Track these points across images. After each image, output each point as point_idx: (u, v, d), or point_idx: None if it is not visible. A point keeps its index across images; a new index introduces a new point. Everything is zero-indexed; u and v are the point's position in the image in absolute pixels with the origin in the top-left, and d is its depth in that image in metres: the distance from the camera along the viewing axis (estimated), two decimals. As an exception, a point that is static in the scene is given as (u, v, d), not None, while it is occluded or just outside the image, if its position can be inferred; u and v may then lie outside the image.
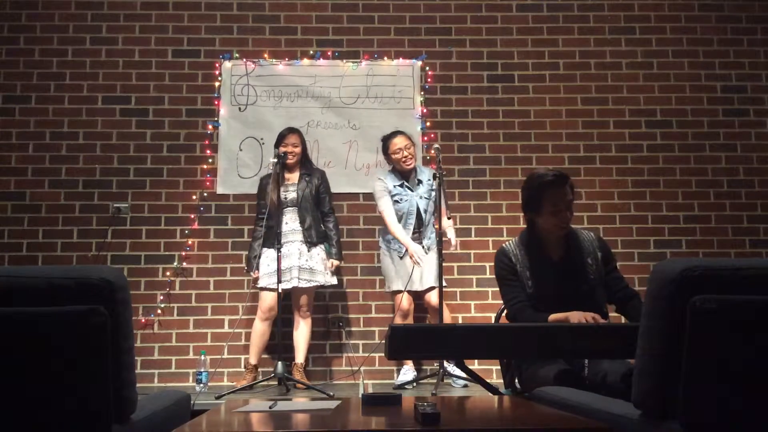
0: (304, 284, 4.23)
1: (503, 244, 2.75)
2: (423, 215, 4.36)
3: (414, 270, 4.24)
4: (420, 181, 4.42)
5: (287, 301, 4.35)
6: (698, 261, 1.56)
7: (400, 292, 4.32)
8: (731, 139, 5.09)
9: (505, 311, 2.72)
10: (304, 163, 4.49)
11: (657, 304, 1.57)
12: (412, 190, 4.39)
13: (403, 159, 4.36)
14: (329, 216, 4.44)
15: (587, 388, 2.28)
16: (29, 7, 5.04)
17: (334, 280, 4.40)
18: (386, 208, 4.33)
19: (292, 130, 4.48)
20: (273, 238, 4.12)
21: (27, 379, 1.49)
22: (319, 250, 4.32)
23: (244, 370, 4.36)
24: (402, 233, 4.29)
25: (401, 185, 4.39)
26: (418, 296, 4.47)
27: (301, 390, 4.00)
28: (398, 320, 4.35)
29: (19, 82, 4.96)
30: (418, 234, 4.37)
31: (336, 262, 4.38)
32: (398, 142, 4.39)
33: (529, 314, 2.57)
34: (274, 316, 4.24)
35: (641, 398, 1.60)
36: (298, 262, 4.22)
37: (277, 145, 4.41)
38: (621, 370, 2.36)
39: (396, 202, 4.35)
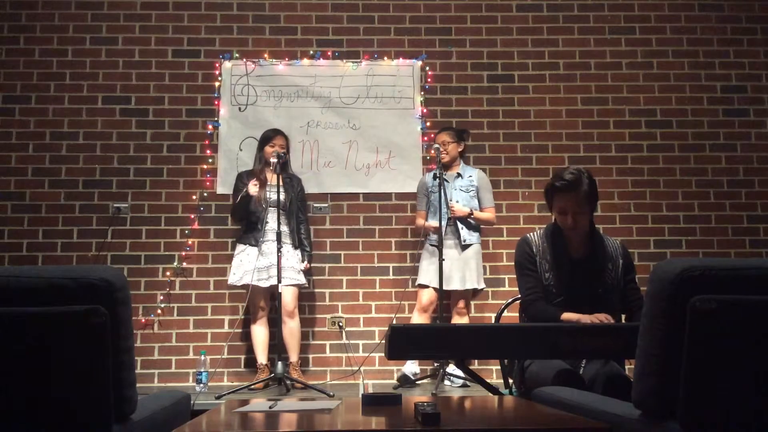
0: (286, 282, 4.23)
1: (527, 234, 2.78)
2: (455, 206, 4.37)
3: (444, 267, 4.19)
4: (459, 175, 4.49)
5: (274, 301, 4.32)
6: (698, 261, 1.56)
7: (422, 286, 4.37)
8: (731, 139, 5.09)
9: (519, 301, 2.73)
10: (285, 166, 4.50)
11: (657, 304, 1.57)
12: (447, 181, 4.44)
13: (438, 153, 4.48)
14: (304, 223, 4.53)
15: (586, 388, 2.28)
16: (29, 7, 5.04)
17: (303, 280, 4.42)
18: (417, 206, 4.56)
19: (278, 132, 4.54)
20: (253, 235, 4.24)
21: (27, 379, 1.49)
22: (298, 252, 4.40)
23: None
24: (424, 224, 4.42)
25: (435, 178, 4.42)
26: (447, 296, 4.45)
27: (301, 390, 4.00)
28: (415, 315, 4.38)
29: (19, 82, 4.96)
30: (454, 225, 4.38)
31: (309, 265, 4.47)
32: (438, 137, 4.54)
33: (542, 307, 2.59)
34: (266, 314, 4.34)
35: (641, 398, 1.60)
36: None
37: (263, 145, 4.46)
38: (608, 374, 2.37)
39: (431, 192, 4.41)
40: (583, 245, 2.69)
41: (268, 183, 4.38)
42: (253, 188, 4.28)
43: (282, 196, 4.35)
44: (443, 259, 4.10)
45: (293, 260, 4.33)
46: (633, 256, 4.84)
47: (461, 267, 4.34)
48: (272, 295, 4.32)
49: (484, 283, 4.49)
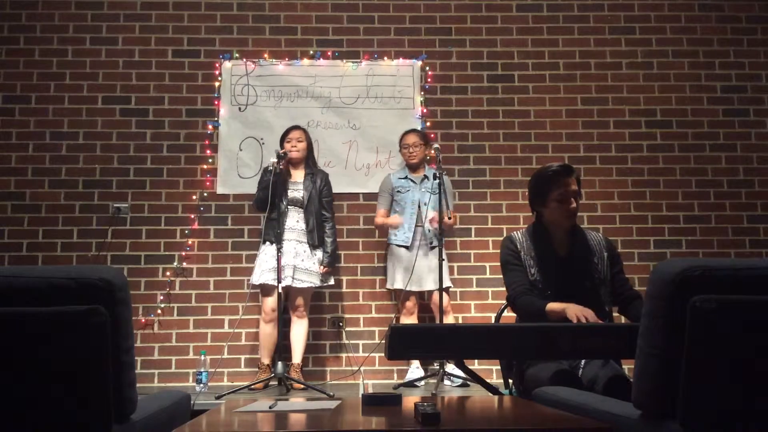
0: (298, 284, 4.20)
1: (511, 233, 2.79)
2: (422, 207, 4.44)
3: (415, 269, 4.30)
4: (426, 177, 4.53)
5: (287, 301, 4.34)
6: (698, 261, 1.56)
7: (400, 290, 4.40)
8: (731, 139, 5.09)
9: (507, 295, 2.73)
10: (308, 161, 4.48)
11: (657, 304, 1.56)
12: (414, 183, 4.50)
13: (409, 154, 4.56)
14: (329, 221, 4.40)
15: (583, 389, 2.28)
16: (29, 7, 5.05)
17: (331, 281, 4.42)
18: (379, 204, 4.60)
19: (296, 126, 4.52)
20: (272, 232, 4.16)
21: (27, 379, 1.49)
22: (318, 253, 4.32)
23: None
24: (384, 220, 4.52)
25: (405, 178, 4.55)
26: (423, 296, 4.50)
27: (301, 390, 4.00)
28: (403, 319, 4.38)
29: (19, 82, 4.96)
30: (421, 226, 4.43)
31: (327, 268, 4.32)
32: (409, 138, 4.59)
33: (529, 299, 2.59)
34: (277, 316, 4.24)
35: (641, 398, 1.60)
36: (293, 261, 4.20)
37: (282, 142, 4.43)
38: (609, 374, 2.36)
39: (398, 192, 4.52)
40: (566, 242, 2.68)
41: (291, 180, 4.35)
42: (272, 161, 4.11)
43: (301, 194, 4.33)
44: (443, 259, 4.11)
45: (308, 262, 4.26)
46: (633, 256, 4.89)
47: (432, 267, 4.32)
48: (286, 295, 4.27)
49: (451, 282, 4.52)
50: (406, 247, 4.40)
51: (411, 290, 4.37)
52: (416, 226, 4.43)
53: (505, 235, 4.77)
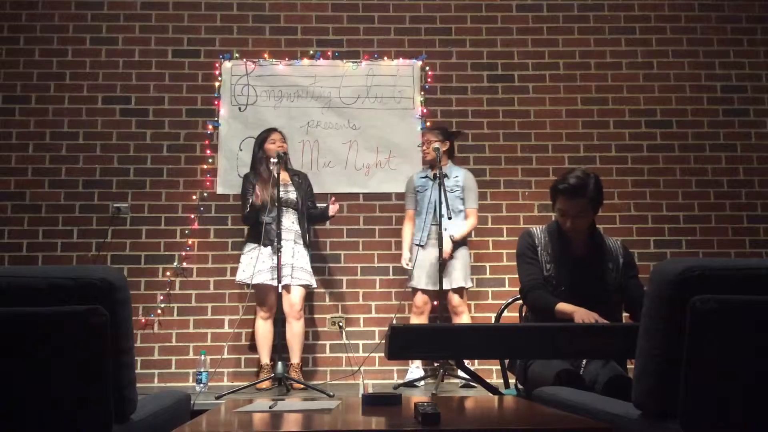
0: (296, 282, 4.22)
1: (530, 228, 2.82)
2: (437, 206, 4.36)
3: (426, 267, 4.29)
4: (446, 176, 4.43)
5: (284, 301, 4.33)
6: (698, 261, 1.56)
7: (414, 288, 4.38)
8: (731, 139, 5.09)
9: (520, 287, 2.74)
10: (287, 163, 4.48)
11: (657, 305, 1.57)
12: (432, 181, 4.43)
13: (423, 153, 4.57)
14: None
15: (586, 388, 2.28)
16: (29, 7, 5.04)
17: (314, 282, 4.38)
18: (406, 205, 4.59)
19: (274, 129, 4.52)
20: (267, 236, 4.14)
21: (27, 379, 1.49)
22: (308, 251, 4.36)
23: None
24: (404, 237, 4.51)
25: (425, 177, 4.51)
26: (437, 296, 4.46)
27: (301, 390, 4.00)
28: (412, 318, 4.38)
29: (19, 82, 4.96)
30: (437, 225, 4.35)
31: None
32: (422, 136, 4.62)
33: (541, 294, 2.60)
34: (274, 314, 4.25)
35: (641, 398, 1.60)
36: (291, 260, 4.21)
37: (262, 144, 4.42)
38: (609, 374, 2.36)
39: (418, 192, 4.50)
40: (584, 245, 2.70)
41: (282, 182, 4.36)
42: (257, 197, 4.17)
43: (294, 195, 4.34)
44: (446, 259, 4.12)
45: (303, 260, 4.28)
46: (633, 256, 4.87)
47: (446, 267, 4.29)
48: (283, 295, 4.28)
49: (471, 282, 4.45)
50: (422, 246, 4.38)
51: (419, 288, 4.33)
52: (432, 225, 4.39)
53: (505, 235, 4.88)
